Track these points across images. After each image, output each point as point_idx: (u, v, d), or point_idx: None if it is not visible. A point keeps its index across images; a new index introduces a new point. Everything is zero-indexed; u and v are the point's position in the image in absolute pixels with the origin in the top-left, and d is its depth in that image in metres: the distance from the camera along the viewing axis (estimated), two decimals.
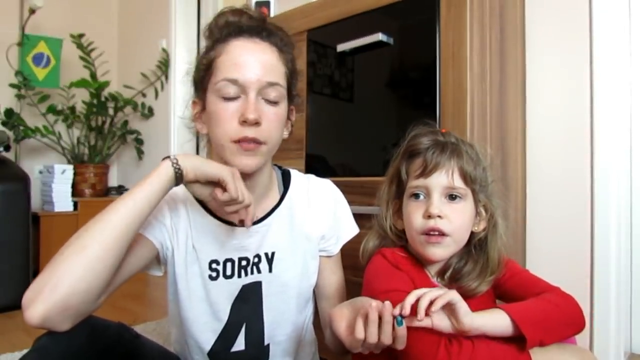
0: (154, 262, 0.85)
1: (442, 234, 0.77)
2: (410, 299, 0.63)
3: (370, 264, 0.84)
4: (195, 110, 0.84)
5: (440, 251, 0.79)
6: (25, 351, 0.67)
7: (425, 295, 0.63)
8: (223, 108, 0.77)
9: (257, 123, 0.76)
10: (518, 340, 0.68)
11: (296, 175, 0.95)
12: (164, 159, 0.74)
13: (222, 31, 0.80)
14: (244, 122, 0.75)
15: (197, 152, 2.73)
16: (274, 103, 0.79)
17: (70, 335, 0.67)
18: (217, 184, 0.74)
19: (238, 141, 0.76)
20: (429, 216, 0.77)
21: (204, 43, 0.85)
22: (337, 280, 0.96)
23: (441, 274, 0.83)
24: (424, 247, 0.79)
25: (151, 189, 0.71)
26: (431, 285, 0.81)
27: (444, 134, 0.84)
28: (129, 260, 0.74)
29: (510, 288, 0.83)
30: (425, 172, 0.79)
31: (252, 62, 0.77)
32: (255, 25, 0.80)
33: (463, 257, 0.82)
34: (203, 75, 0.81)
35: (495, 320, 0.68)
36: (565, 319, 0.73)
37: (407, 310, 0.62)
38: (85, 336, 0.69)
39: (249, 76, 0.76)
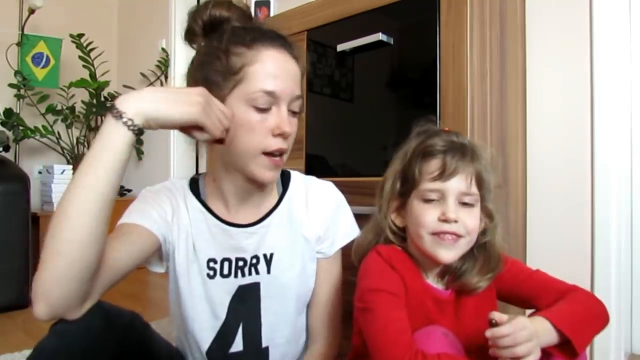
0: (155, 256, 0.84)
1: (457, 236, 0.76)
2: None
3: (364, 262, 0.82)
4: None
5: (452, 253, 0.77)
6: (25, 352, 0.67)
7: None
8: (257, 119, 0.77)
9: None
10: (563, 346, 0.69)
11: (296, 177, 0.94)
12: (108, 113, 0.63)
13: (245, 36, 0.78)
14: (279, 135, 0.78)
15: (197, 154, 2.73)
16: (296, 114, 0.83)
17: (87, 318, 0.67)
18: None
19: (270, 154, 0.78)
20: (444, 220, 0.76)
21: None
22: (331, 287, 0.94)
23: (441, 275, 0.83)
24: (433, 248, 0.77)
25: (113, 170, 0.63)
26: (423, 286, 0.81)
27: (457, 135, 0.82)
28: (130, 250, 0.74)
29: (528, 289, 0.83)
30: (444, 176, 0.76)
31: (286, 74, 0.79)
32: (279, 35, 0.82)
33: (463, 257, 0.81)
34: (226, 78, 0.77)
35: (542, 334, 0.68)
36: (596, 314, 0.75)
37: None
38: (102, 320, 0.69)
39: (284, 89, 0.78)
